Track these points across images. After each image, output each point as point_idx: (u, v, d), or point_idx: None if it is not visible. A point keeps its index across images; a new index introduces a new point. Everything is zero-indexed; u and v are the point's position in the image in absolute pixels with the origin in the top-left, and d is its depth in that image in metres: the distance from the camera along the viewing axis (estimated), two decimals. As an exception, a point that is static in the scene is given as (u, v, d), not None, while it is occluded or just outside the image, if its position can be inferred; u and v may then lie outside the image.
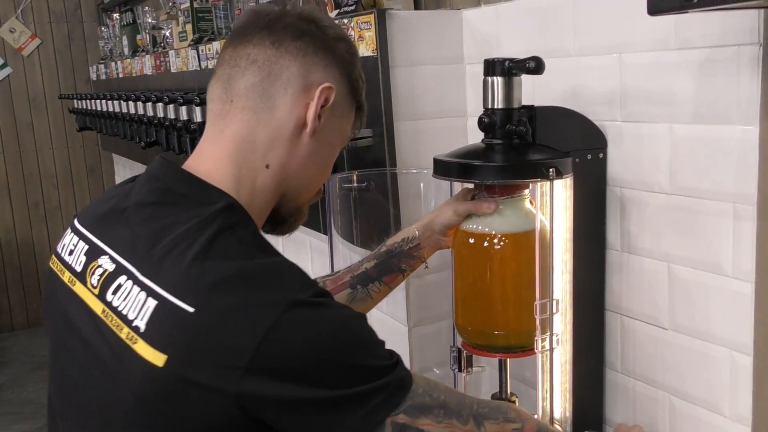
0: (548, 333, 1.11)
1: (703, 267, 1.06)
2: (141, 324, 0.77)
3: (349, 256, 1.45)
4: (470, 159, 1.10)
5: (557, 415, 1.19)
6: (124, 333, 0.78)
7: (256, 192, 0.89)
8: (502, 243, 1.13)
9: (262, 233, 0.90)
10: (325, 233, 1.82)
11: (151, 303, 0.77)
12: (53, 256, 0.96)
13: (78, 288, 0.87)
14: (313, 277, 1.21)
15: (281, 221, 0.97)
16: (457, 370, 1.30)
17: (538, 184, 1.10)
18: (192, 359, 0.74)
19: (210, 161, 0.89)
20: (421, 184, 1.44)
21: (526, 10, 1.30)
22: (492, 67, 1.09)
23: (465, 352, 1.25)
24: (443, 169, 1.13)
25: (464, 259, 1.19)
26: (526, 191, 1.15)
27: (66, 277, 0.90)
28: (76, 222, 0.95)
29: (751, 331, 0.99)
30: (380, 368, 0.82)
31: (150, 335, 0.76)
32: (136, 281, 0.79)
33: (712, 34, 0.99)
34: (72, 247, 0.92)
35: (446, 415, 0.87)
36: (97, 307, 0.82)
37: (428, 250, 1.21)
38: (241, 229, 0.83)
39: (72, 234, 0.94)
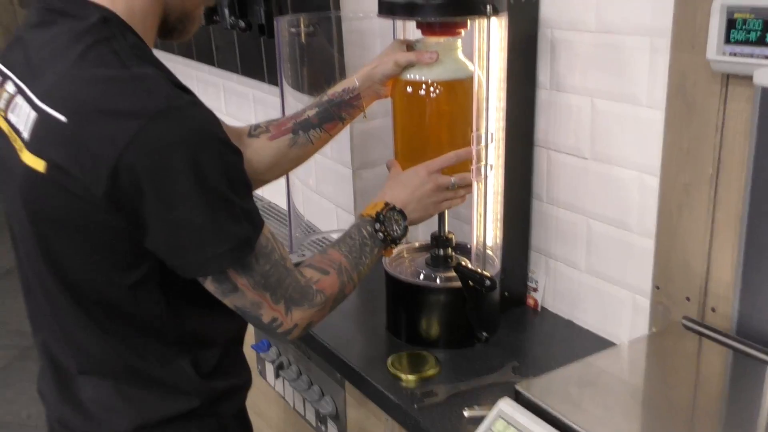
0: (483, 162, 1.22)
1: (621, 98, 1.17)
2: (26, 135, 0.85)
3: (296, 106, 1.51)
4: (414, -2, 1.16)
5: (489, 242, 1.33)
6: (18, 144, 0.87)
7: (134, 0, 0.89)
8: (440, 90, 1.21)
9: (147, 45, 0.90)
10: (266, 81, 1.87)
11: (33, 114, 0.84)
12: None
13: None
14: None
15: (172, 28, 0.96)
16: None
17: (476, 22, 1.17)
18: (66, 163, 0.81)
19: None
20: (365, 33, 1.49)
21: None
22: None
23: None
24: (387, 8, 1.19)
25: (405, 106, 1.27)
26: (459, 40, 1.22)
27: None
28: None
29: (659, 154, 1.11)
30: (232, 205, 0.84)
31: (32, 144, 0.84)
32: (25, 97, 0.86)
33: None
34: None
35: (263, 286, 0.90)
36: (4, 126, 0.91)
37: (367, 99, 1.27)
38: (118, 41, 0.84)
39: None
